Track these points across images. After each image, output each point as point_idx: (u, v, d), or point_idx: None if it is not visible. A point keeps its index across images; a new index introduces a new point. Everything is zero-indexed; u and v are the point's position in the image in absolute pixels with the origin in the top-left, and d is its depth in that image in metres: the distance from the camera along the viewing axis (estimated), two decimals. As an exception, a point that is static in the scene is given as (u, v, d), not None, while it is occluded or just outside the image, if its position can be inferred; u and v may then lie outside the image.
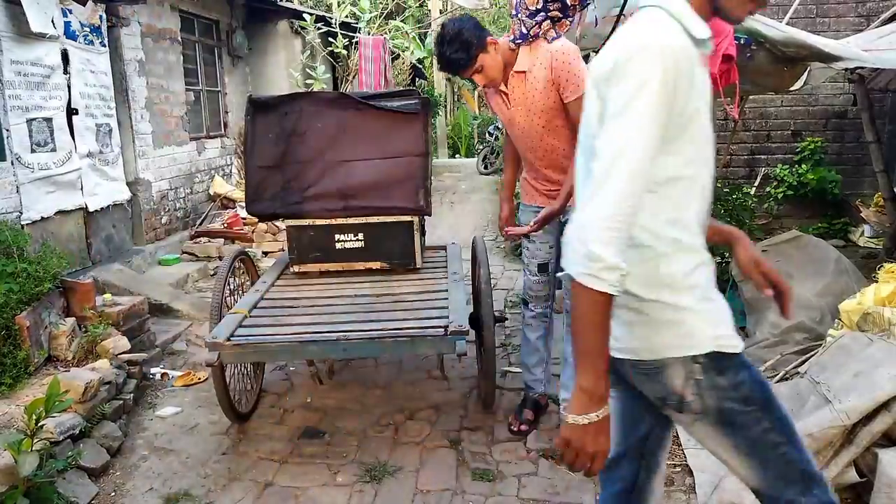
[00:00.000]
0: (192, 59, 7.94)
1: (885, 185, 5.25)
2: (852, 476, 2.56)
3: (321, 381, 3.79)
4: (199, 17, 8.00)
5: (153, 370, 4.28)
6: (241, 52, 8.95)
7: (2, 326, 3.52)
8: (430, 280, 3.88)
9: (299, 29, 9.41)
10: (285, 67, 9.47)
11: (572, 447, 1.35)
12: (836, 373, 2.81)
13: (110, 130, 6.04)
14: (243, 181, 5.30)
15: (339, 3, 10.45)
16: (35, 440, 2.71)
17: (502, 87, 3.03)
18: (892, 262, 3.88)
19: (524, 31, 2.91)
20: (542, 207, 3.08)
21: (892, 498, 2.37)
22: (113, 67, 6.11)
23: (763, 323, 4.20)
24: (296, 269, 4.03)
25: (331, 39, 9.85)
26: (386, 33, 10.75)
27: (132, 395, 3.79)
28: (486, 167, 13.35)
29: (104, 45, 5.92)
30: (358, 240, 3.97)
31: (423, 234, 4.27)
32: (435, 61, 4.65)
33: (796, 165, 6.76)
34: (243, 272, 4.24)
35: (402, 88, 9.37)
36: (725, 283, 4.96)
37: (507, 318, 4.56)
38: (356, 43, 9.40)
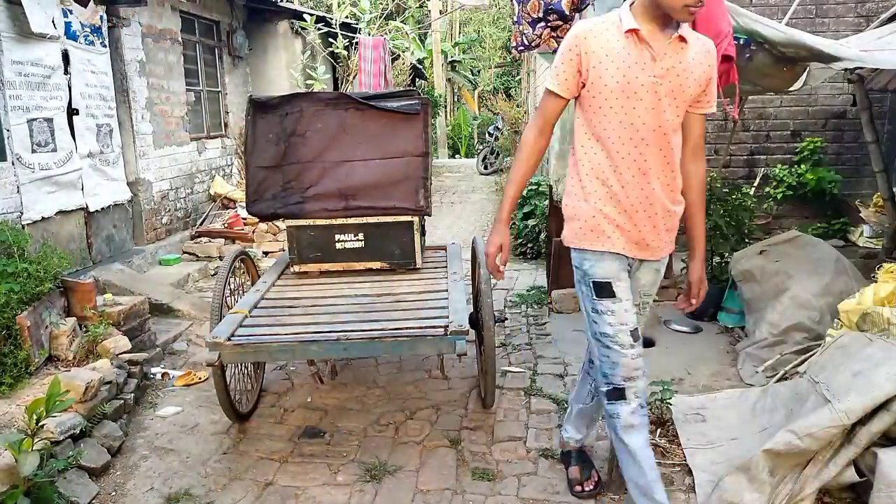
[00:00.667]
0: (193, 60, 7.95)
1: (884, 185, 5.25)
2: (852, 476, 2.56)
3: (321, 380, 3.80)
4: (199, 17, 8.01)
5: (154, 370, 4.29)
6: (242, 53, 8.96)
7: (2, 326, 3.52)
8: (430, 280, 3.89)
9: (299, 29, 9.42)
10: (286, 68, 9.48)
11: None
12: (836, 373, 2.81)
13: (111, 131, 6.05)
14: (244, 181, 5.31)
15: (339, 3, 10.46)
16: (36, 440, 2.71)
17: (643, 31, 2.21)
18: (891, 262, 3.88)
19: (526, 41, 2.93)
20: (627, 258, 2.37)
21: (891, 498, 2.37)
22: (113, 68, 6.12)
23: (762, 323, 4.21)
24: (296, 269, 4.04)
25: (331, 40, 9.86)
26: (386, 34, 10.76)
27: (133, 394, 3.79)
28: (485, 167, 13.37)
29: (105, 46, 5.93)
30: (358, 240, 3.98)
31: (423, 234, 4.28)
32: None
33: (796, 166, 6.77)
34: (244, 272, 4.25)
35: (402, 89, 9.37)
36: (725, 282, 4.97)
37: (506, 318, 4.57)
38: (356, 43, 9.41)
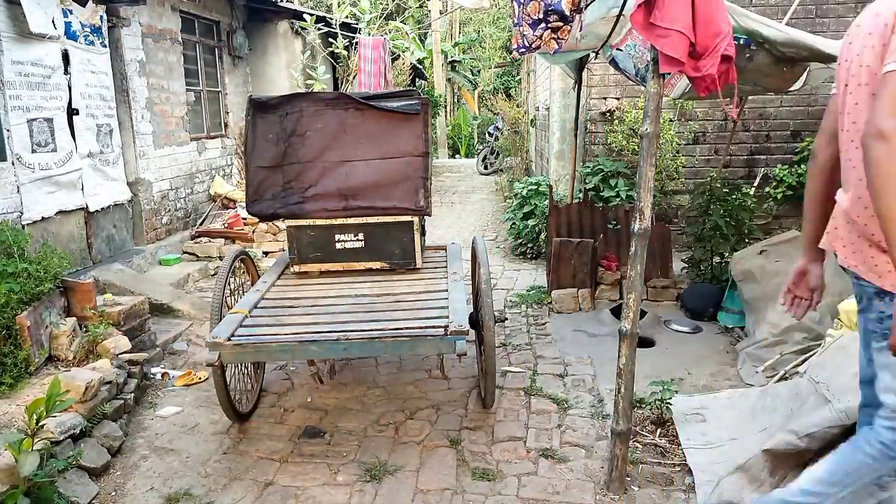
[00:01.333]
0: (193, 60, 7.95)
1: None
2: (851, 475, 2.56)
3: (321, 380, 3.80)
4: (199, 17, 8.01)
5: (154, 370, 4.29)
6: (242, 53, 8.97)
7: (2, 326, 3.52)
8: (430, 280, 3.89)
9: (299, 29, 9.42)
10: (286, 68, 9.48)
11: None
12: (836, 373, 2.81)
13: (111, 131, 6.05)
14: (244, 181, 5.31)
15: (339, 3, 10.47)
16: (36, 440, 2.71)
17: None
18: (891, 263, 3.88)
19: (526, 43, 2.92)
20: (860, 279, 1.99)
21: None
22: (113, 67, 6.12)
23: (763, 323, 4.21)
24: (296, 269, 4.04)
25: (331, 40, 9.86)
26: (386, 34, 10.77)
27: (133, 394, 3.79)
28: (485, 167, 13.38)
29: (105, 46, 5.93)
30: (358, 240, 3.98)
31: (423, 234, 4.28)
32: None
33: (796, 166, 6.77)
34: (244, 272, 4.25)
35: (402, 89, 9.38)
36: (725, 282, 4.97)
37: (507, 318, 4.57)
38: (356, 43, 9.41)
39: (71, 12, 5.40)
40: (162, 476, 3.15)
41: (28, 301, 3.73)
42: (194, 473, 3.16)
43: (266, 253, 7.27)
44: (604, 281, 5.57)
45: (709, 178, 5.52)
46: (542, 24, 2.88)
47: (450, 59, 21.45)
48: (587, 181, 6.94)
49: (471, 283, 4.27)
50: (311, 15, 9.35)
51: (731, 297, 4.85)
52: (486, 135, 14.36)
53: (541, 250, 7.10)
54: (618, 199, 6.69)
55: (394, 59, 11.70)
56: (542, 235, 6.90)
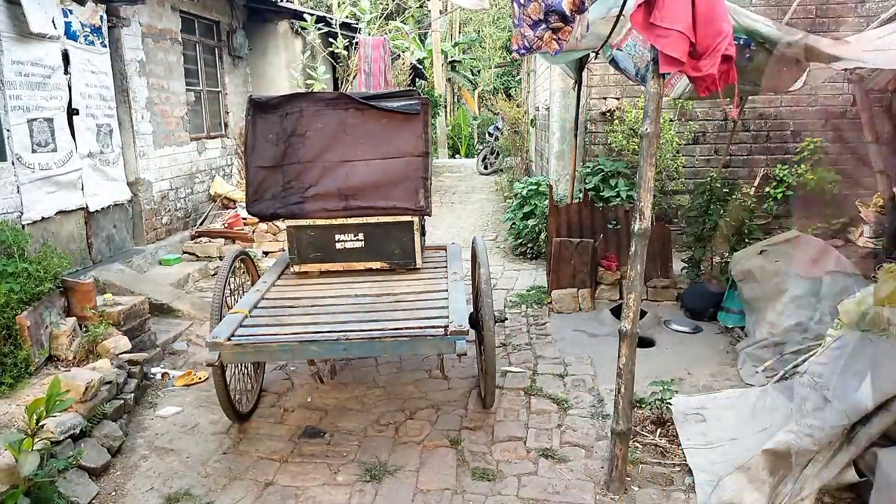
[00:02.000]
0: (193, 60, 7.95)
1: (884, 185, 5.25)
2: (852, 476, 2.56)
3: (321, 380, 3.80)
4: (199, 17, 8.01)
5: (154, 370, 4.29)
6: (242, 53, 8.97)
7: (3, 326, 3.52)
8: (430, 280, 3.89)
9: (300, 29, 9.42)
10: (286, 68, 9.48)
11: None
12: (836, 373, 2.81)
13: (111, 131, 6.05)
14: (244, 181, 5.31)
15: (339, 3, 10.46)
16: (36, 440, 2.71)
17: None
18: (891, 262, 3.88)
19: (527, 44, 2.92)
20: None
21: (891, 498, 2.37)
22: (113, 67, 6.12)
23: (762, 323, 4.21)
24: (296, 269, 4.04)
25: (331, 40, 9.86)
26: (386, 34, 10.76)
27: (133, 394, 3.79)
28: (485, 167, 13.38)
29: (105, 46, 5.93)
30: (358, 240, 3.98)
31: (423, 234, 4.28)
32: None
33: (795, 166, 6.77)
34: (244, 272, 4.25)
35: (402, 89, 9.37)
36: (725, 282, 4.97)
37: (506, 318, 4.57)
38: (356, 43, 9.41)
39: (71, 12, 5.40)
40: (162, 476, 3.15)
41: (28, 301, 3.73)
42: (194, 473, 3.16)
43: (266, 253, 7.27)
44: (604, 281, 5.58)
45: (709, 178, 5.52)
46: (543, 25, 2.88)
47: (450, 59, 21.45)
48: (587, 181, 6.94)
49: (471, 283, 4.27)
50: (311, 15, 9.35)
51: (731, 297, 4.85)
52: (486, 135, 14.36)
53: (541, 250, 7.10)
54: (618, 199, 6.69)
55: (394, 59, 11.70)
56: (542, 235, 6.90)
